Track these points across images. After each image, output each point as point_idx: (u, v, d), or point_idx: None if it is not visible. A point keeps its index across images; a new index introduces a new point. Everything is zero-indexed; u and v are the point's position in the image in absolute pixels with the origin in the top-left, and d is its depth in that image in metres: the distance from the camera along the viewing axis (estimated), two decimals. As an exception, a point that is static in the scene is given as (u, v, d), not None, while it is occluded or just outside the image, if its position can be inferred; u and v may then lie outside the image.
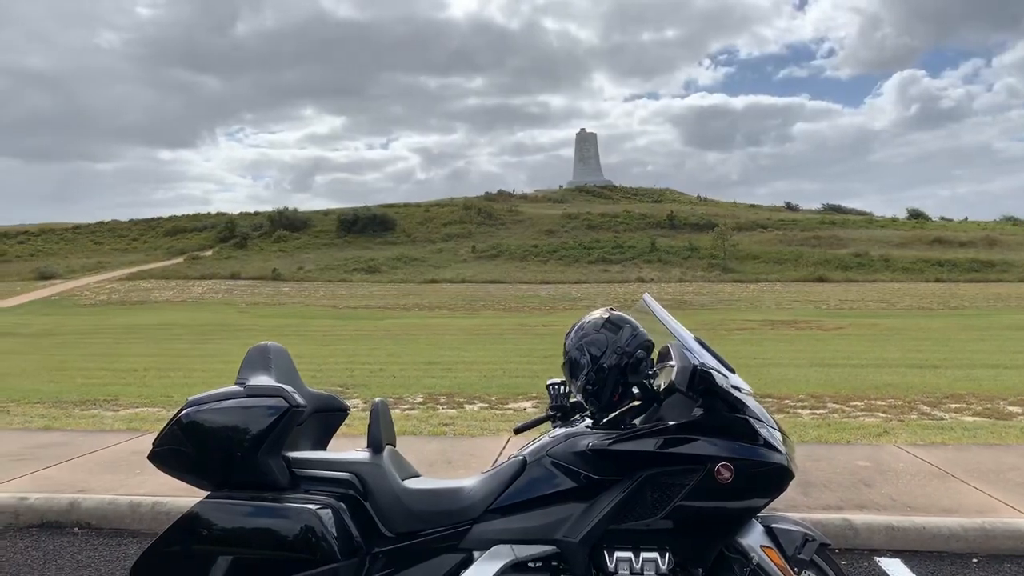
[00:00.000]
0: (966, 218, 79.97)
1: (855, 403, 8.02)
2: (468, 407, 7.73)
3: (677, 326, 2.40)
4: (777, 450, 2.20)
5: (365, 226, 63.59)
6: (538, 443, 2.42)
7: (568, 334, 2.43)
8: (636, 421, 2.35)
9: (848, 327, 20.77)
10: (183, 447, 2.32)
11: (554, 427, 2.56)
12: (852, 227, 65.16)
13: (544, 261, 49.81)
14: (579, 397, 2.40)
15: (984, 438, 5.67)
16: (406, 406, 7.88)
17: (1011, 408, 7.78)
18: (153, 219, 76.17)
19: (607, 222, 63.10)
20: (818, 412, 7.44)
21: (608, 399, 2.31)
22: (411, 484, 2.44)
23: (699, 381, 2.18)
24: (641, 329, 2.36)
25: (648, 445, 2.18)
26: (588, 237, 57.11)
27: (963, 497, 4.10)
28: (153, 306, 32.18)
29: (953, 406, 7.96)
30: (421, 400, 8.27)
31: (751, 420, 2.22)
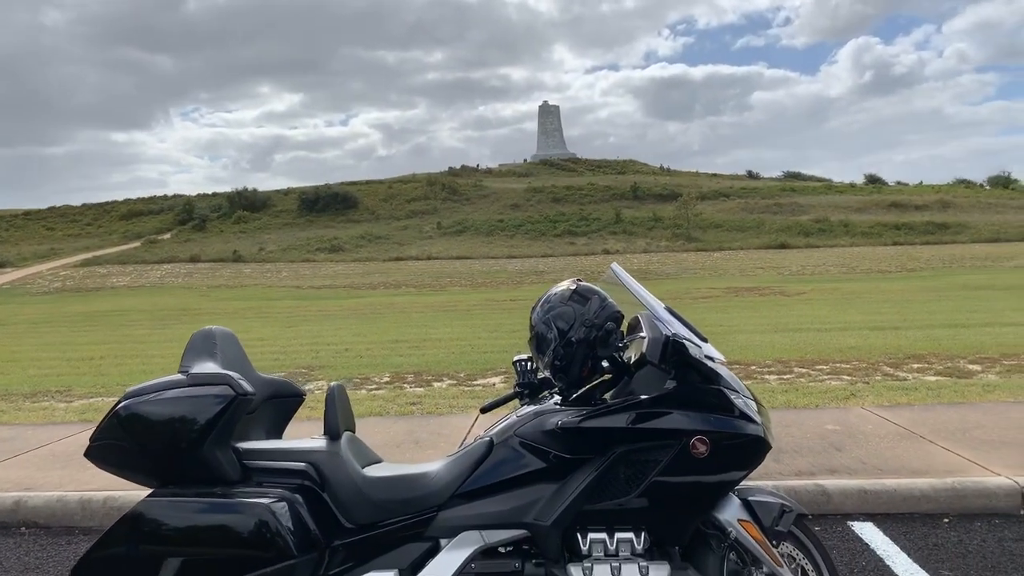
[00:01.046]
0: (921, 182, 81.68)
1: (820, 367, 8.09)
2: (436, 385, 7.61)
3: (647, 295, 2.29)
4: (753, 421, 2.12)
5: (327, 204, 62.58)
6: (505, 422, 2.30)
7: (534, 308, 2.31)
8: (607, 396, 2.25)
9: (810, 292, 21.07)
10: (122, 442, 2.15)
11: (522, 404, 2.44)
12: (812, 193, 66.04)
13: (510, 236, 49.61)
14: (547, 373, 2.29)
15: (948, 397, 5.73)
16: (372, 386, 7.73)
17: (970, 366, 7.91)
18: (107, 203, 73.99)
19: (572, 195, 63.00)
20: (785, 377, 7.48)
21: (577, 374, 2.20)
22: (372, 472, 2.30)
23: (672, 352, 2.08)
24: (610, 300, 2.25)
25: (620, 421, 2.08)
26: (553, 210, 56.99)
27: (932, 458, 4.11)
28: (110, 292, 31.31)
29: (915, 366, 8.08)
30: (388, 379, 8.12)
31: (726, 391, 2.13)
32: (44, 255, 48.52)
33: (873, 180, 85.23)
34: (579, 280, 2.32)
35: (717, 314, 15.65)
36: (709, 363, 2.14)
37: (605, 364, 2.23)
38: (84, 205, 73.40)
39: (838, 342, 10.26)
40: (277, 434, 2.56)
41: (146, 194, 79.27)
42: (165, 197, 76.47)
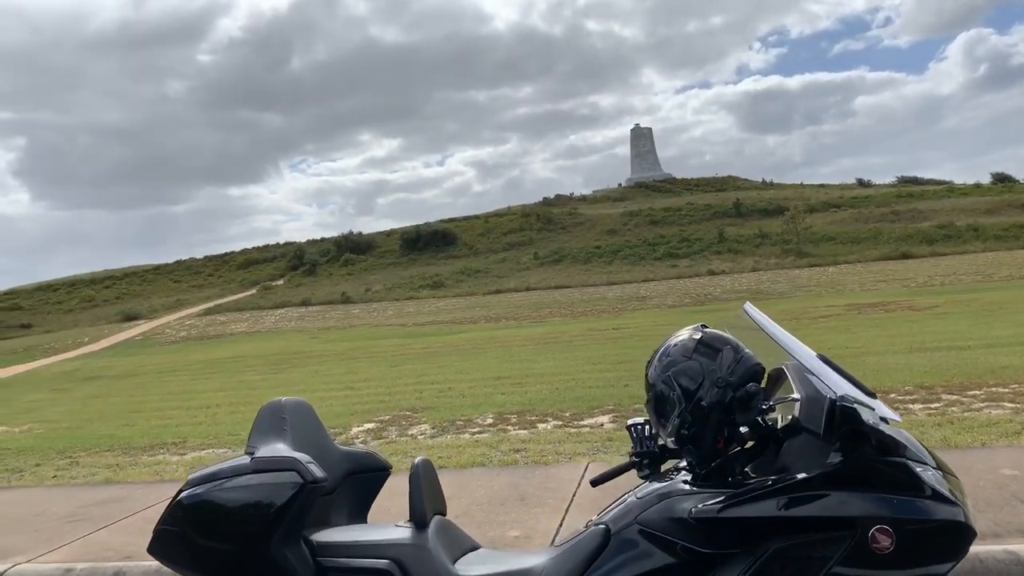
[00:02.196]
0: (1059, 176, 74.73)
1: (973, 392, 7.14)
2: (541, 426, 7.22)
3: (793, 341, 1.84)
4: (949, 500, 1.61)
5: (428, 242, 64.10)
6: (623, 504, 1.88)
7: (650, 363, 1.89)
8: (748, 469, 1.79)
9: (943, 304, 19.30)
10: (185, 536, 1.90)
11: (640, 477, 2.02)
12: (932, 198, 61.70)
13: (608, 262, 48.90)
14: (670, 443, 1.86)
15: None
16: (475, 428, 7.44)
17: None
18: (226, 254, 78.87)
19: (670, 216, 61.64)
20: (932, 406, 6.61)
21: (710, 445, 1.76)
22: (465, 567, 1.94)
23: (840, 420, 1.61)
24: (746, 351, 1.81)
25: (772, 507, 1.62)
26: (652, 233, 55.88)
27: None
28: (229, 339, 32.95)
29: (1095, 388, 7.01)
30: (491, 421, 7.81)
31: (911, 463, 1.63)
32: (171, 306, 52.01)
33: (1002, 179, 78.76)
34: (704, 327, 1.89)
35: (841, 335, 14.48)
36: (884, 428, 1.66)
37: (743, 430, 1.78)
38: (206, 257, 78.56)
39: (988, 361, 9.12)
40: (361, 515, 2.25)
41: (260, 243, 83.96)
42: (278, 245, 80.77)
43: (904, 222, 50.89)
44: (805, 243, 46.04)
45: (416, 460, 2.10)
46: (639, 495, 1.85)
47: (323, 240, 76.45)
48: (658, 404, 1.82)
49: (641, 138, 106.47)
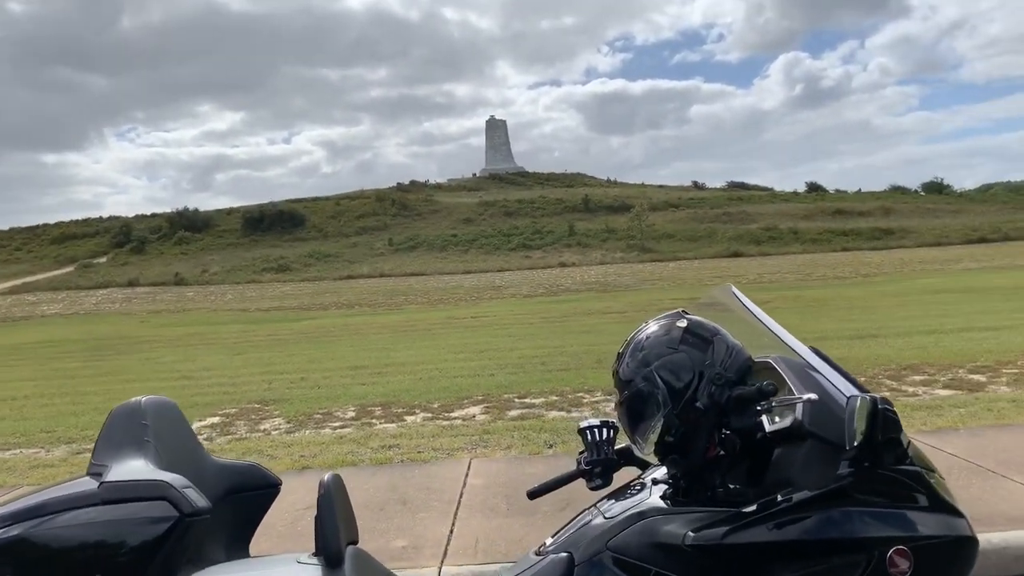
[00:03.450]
0: (859, 189, 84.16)
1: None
2: (409, 419, 6.81)
3: (785, 332, 1.60)
4: (958, 512, 1.44)
5: (272, 223, 60.84)
6: (583, 526, 1.57)
7: (621, 356, 1.58)
8: (732, 484, 1.53)
9: (774, 300, 20.85)
10: None
11: (591, 487, 1.72)
12: (758, 202, 67.20)
13: (464, 250, 48.84)
14: (644, 452, 1.56)
15: (983, 417, 5.23)
16: (336, 422, 6.88)
17: (973, 376, 7.52)
18: (38, 226, 70.49)
19: (524, 208, 62.64)
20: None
21: (700, 455, 1.48)
22: None
23: (884, 426, 1.37)
24: (737, 342, 1.55)
25: (785, 530, 1.36)
26: (506, 224, 56.49)
27: (1016, 496, 3.53)
28: (39, 321, 29.34)
29: (917, 379, 7.65)
30: (353, 414, 7.28)
31: (923, 472, 1.44)
32: (-33, 283, 45.62)
33: (814, 188, 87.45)
34: (686, 312, 1.61)
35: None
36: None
37: (723, 432, 1.51)
38: (12, 229, 69.79)
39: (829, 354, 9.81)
40: (243, 545, 1.78)
41: (80, 216, 75.95)
42: (100, 219, 73.44)
43: (735, 223, 54.98)
44: (648, 239, 48.45)
45: (325, 477, 1.65)
46: (607, 514, 1.54)
47: (154, 216, 70.45)
48: (634, 405, 1.51)
49: (496, 130, 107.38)
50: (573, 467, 1.78)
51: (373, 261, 46.86)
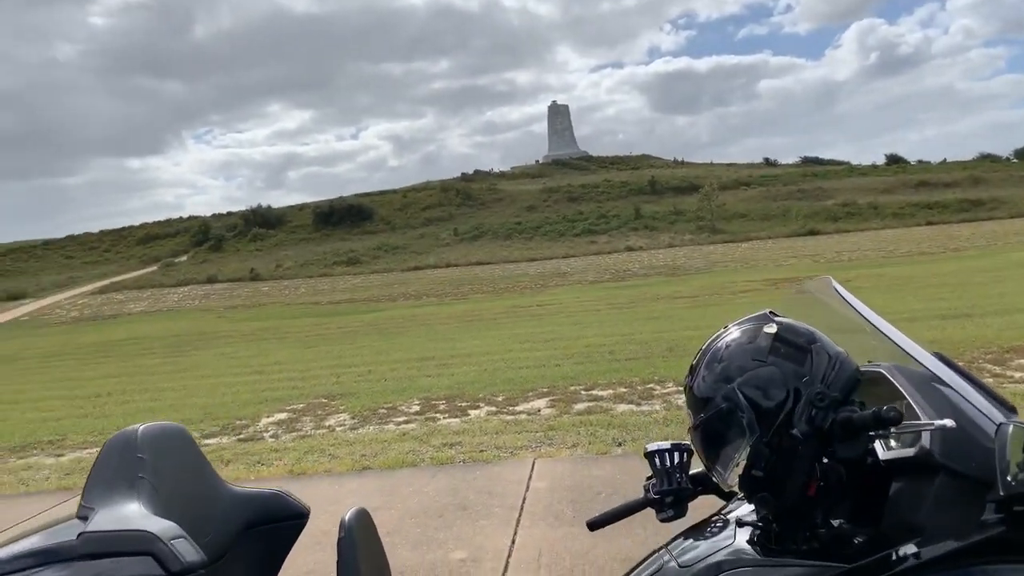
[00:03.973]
0: (944, 159, 79.69)
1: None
2: (473, 413, 6.64)
3: (901, 335, 1.29)
4: None
5: (342, 218, 62.06)
6: (655, 573, 1.30)
7: (694, 370, 1.29)
8: (837, 523, 1.24)
9: (856, 279, 19.82)
10: None
11: (661, 519, 1.45)
12: (834, 178, 64.46)
13: (529, 238, 48.60)
14: (728, 484, 1.28)
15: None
16: (401, 418, 6.78)
17: (1088, 359, 6.82)
18: (124, 228, 74.14)
19: (588, 193, 61.89)
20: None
21: (797, 492, 1.19)
22: None
23: None
24: (841, 350, 1.24)
25: None
26: (571, 210, 55.91)
27: None
28: (126, 319, 30.72)
29: (1022, 362, 7.01)
30: (417, 408, 7.16)
31: None
32: (63, 284, 48.29)
33: (895, 160, 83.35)
34: (774, 315, 1.31)
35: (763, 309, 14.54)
36: None
37: (826, 463, 1.21)
38: (102, 232, 73.54)
39: (914, 336, 9.14)
40: (269, 578, 1.59)
41: (162, 217, 79.45)
42: (181, 219, 76.54)
43: (810, 200, 52.84)
44: (718, 220, 47.07)
45: (347, 514, 1.44)
46: (680, 559, 1.27)
47: (230, 214, 72.93)
48: (712, 431, 1.23)
49: (558, 115, 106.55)
50: (640, 493, 1.51)
51: (439, 251, 47.18)
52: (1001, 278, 16.35)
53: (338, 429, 6.54)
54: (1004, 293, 13.36)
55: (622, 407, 6.28)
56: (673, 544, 1.35)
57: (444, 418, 6.54)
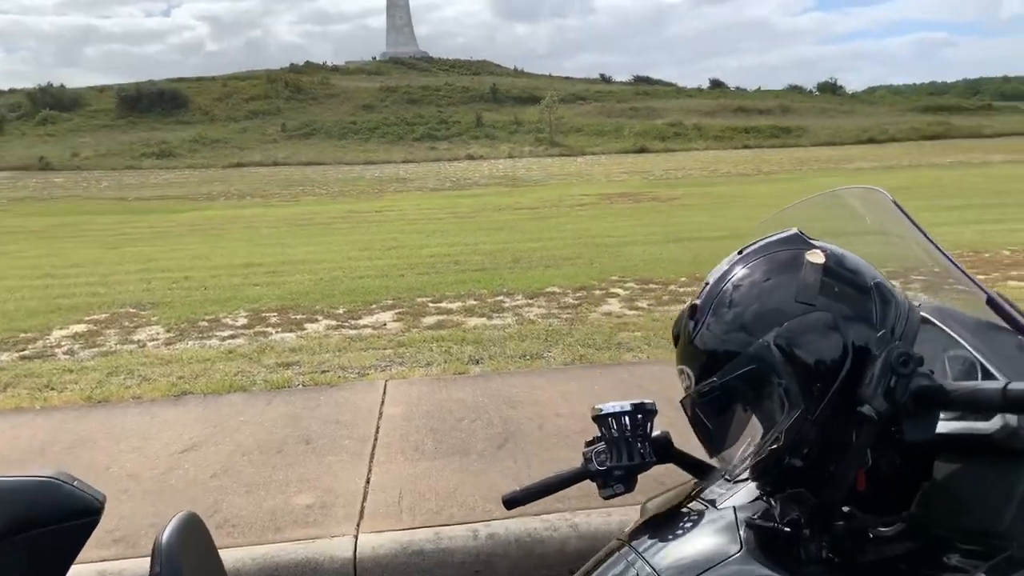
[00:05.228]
0: (759, 88, 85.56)
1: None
2: (310, 327, 6.05)
3: (961, 269, 0.98)
4: None
5: (152, 104, 55.65)
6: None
7: (699, 312, 0.90)
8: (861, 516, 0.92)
9: (683, 197, 20.82)
10: None
11: (604, 496, 1.09)
12: (664, 98, 67.13)
13: (365, 139, 46.44)
14: (736, 473, 0.92)
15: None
16: (226, 332, 6.04)
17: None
18: None
19: (429, 96, 59.92)
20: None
21: (843, 483, 0.84)
22: None
23: None
24: (902, 297, 0.89)
25: None
26: (410, 112, 53.94)
27: None
28: None
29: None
30: (245, 321, 6.43)
31: None
32: None
33: (717, 84, 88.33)
34: (807, 238, 0.93)
35: (600, 223, 14.82)
36: None
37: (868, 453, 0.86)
38: None
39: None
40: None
41: (-79, 89, 67.06)
42: (-54, 93, 64.87)
43: (641, 119, 54.76)
44: (557, 133, 47.57)
45: (169, 522, 0.94)
46: (660, 566, 0.91)
47: (12, 92, 62.89)
48: (728, 401, 0.86)
49: (397, 9, 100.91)
50: (574, 464, 1.14)
51: (265, 148, 43.84)
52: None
53: (149, 344, 5.69)
54: (813, 215, 14.56)
55: (473, 320, 5.98)
56: (639, 541, 0.99)
57: (277, 332, 5.89)
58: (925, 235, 0.97)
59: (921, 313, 0.99)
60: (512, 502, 1.18)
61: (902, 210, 0.98)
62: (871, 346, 0.82)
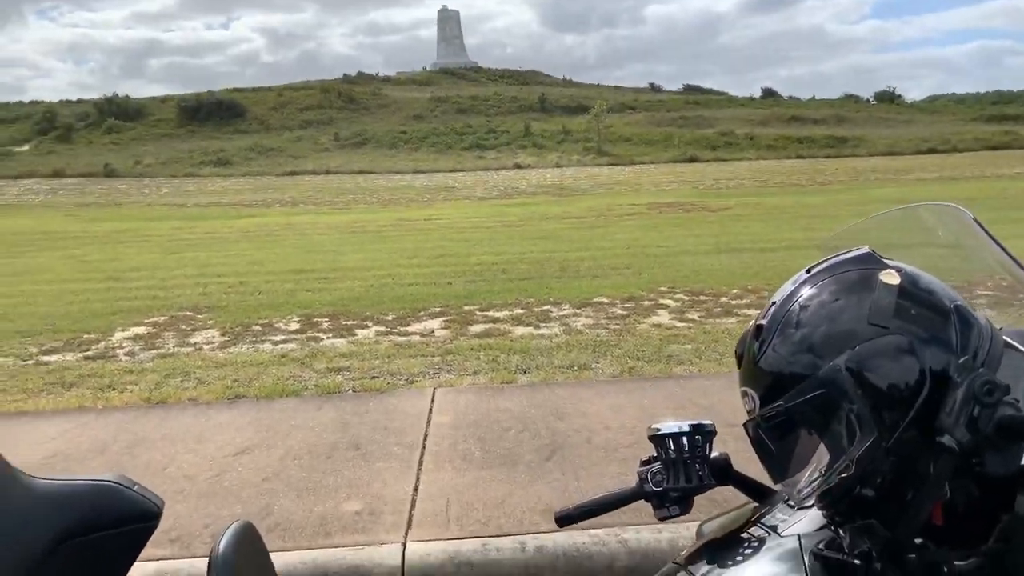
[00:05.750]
0: (813, 97, 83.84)
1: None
2: (361, 333, 6.12)
3: None
4: None
5: (210, 113, 57.35)
6: None
7: (765, 332, 0.88)
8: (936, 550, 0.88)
9: (734, 207, 20.49)
10: None
11: (659, 517, 1.07)
12: (715, 107, 66.32)
13: (415, 148, 47.00)
14: (800, 499, 0.88)
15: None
16: (278, 336, 6.16)
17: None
18: (-51, 110, 65.03)
19: (478, 105, 60.41)
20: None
21: (917, 518, 0.81)
22: None
23: None
24: (984, 321, 0.85)
25: None
26: (459, 122, 54.41)
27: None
28: (-46, 213, 27.14)
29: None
30: (297, 325, 6.55)
31: None
32: None
33: (770, 94, 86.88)
34: (882, 257, 0.90)
35: (649, 232, 14.68)
36: None
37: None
38: (-79, 112, 64.16)
39: (795, 263, 9.39)
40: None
41: (-2, 100, 70.56)
42: (22, 104, 68.23)
43: (691, 128, 54.14)
44: (605, 142, 47.37)
45: (225, 532, 0.95)
46: None
47: (81, 102, 65.62)
48: (794, 426, 0.83)
49: (448, 21, 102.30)
50: (626, 484, 1.12)
51: (318, 157, 44.74)
52: (866, 212, 17.27)
53: (205, 348, 5.84)
54: (870, 227, 14.14)
55: (520, 330, 5.97)
56: (697, 566, 0.96)
57: (328, 338, 5.99)
58: (1010, 255, 0.92)
59: (1004, 337, 0.94)
60: (565, 519, 1.16)
61: (984, 229, 0.94)
62: (951, 372, 0.78)
